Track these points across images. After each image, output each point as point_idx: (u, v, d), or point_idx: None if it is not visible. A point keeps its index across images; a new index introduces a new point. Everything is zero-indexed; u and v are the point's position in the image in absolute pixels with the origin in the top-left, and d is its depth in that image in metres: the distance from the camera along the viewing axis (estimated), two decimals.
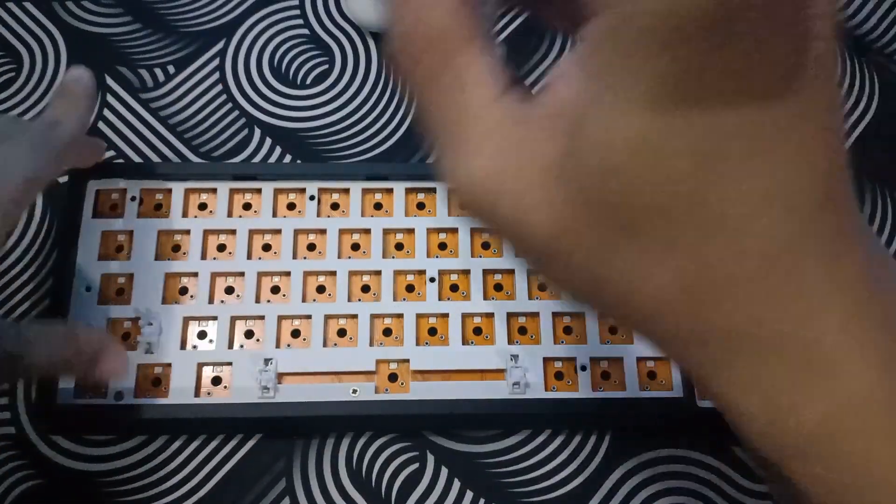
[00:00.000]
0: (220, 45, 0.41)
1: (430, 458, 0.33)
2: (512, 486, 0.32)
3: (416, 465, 0.33)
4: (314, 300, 0.33)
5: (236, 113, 0.39)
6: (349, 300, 0.33)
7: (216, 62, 0.40)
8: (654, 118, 0.13)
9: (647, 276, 0.14)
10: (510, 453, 0.33)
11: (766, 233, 0.14)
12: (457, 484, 0.32)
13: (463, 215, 0.35)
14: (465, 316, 0.33)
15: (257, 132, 0.39)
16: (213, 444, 0.33)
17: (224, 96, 0.39)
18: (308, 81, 0.40)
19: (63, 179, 0.36)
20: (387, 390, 0.32)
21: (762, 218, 0.14)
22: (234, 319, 0.33)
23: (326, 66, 0.40)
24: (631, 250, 0.14)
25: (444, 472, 0.32)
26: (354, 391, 0.31)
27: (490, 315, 0.33)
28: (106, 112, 0.39)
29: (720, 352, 0.15)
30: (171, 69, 0.40)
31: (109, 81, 0.39)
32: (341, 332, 0.33)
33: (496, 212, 0.15)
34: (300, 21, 0.41)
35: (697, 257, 0.14)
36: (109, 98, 0.39)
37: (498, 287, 0.33)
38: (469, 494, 0.32)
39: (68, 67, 0.40)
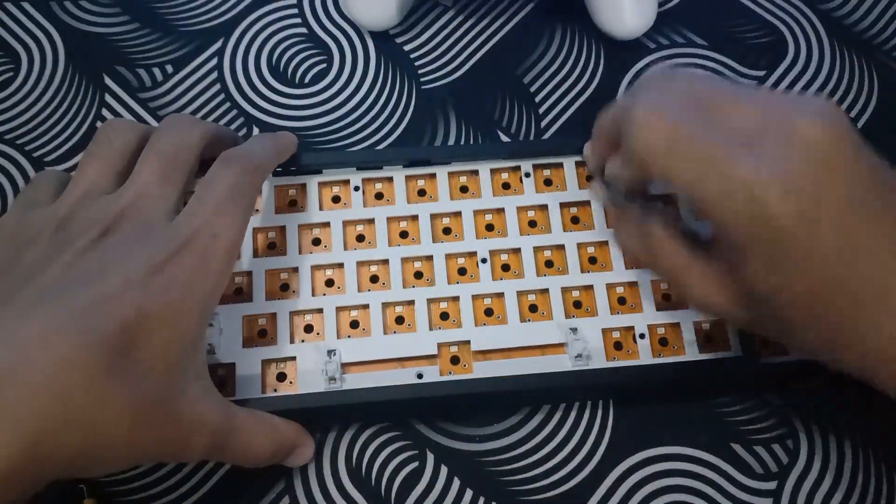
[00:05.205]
0: (218, 45, 0.41)
1: (430, 457, 0.33)
2: (512, 483, 0.32)
3: (415, 464, 0.33)
4: (369, 290, 0.33)
5: (235, 112, 0.39)
6: (404, 287, 0.33)
7: (214, 61, 0.40)
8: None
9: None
10: (509, 451, 0.33)
11: None
12: (456, 482, 0.32)
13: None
14: (519, 294, 0.33)
15: (256, 132, 0.39)
16: None
17: (222, 95, 0.39)
18: (306, 80, 0.40)
19: None
20: (451, 373, 0.32)
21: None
22: (292, 315, 0.32)
23: (325, 66, 0.40)
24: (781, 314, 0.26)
25: (444, 470, 0.33)
26: (420, 375, 0.31)
27: (544, 291, 0.33)
28: (104, 112, 0.39)
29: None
30: (169, 69, 0.40)
31: (108, 81, 0.39)
32: (399, 320, 0.33)
33: (717, 312, 0.28)
34: (298, 20, 0.41)
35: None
36: (108, 98, 0.39)
37: (549, 263, 0.34)
38: (468, 493, 0.32)
39: (67, 65, 0.40)
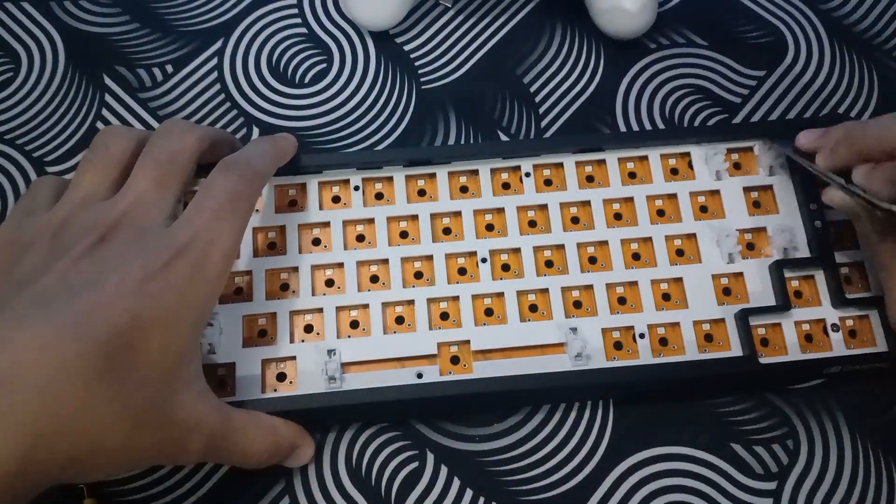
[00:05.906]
0: (218, 45, 0.41)
1: (430, 457, 0.33)
2: (512, 483, 0.32)
3: (415, 464, 0.33)
4: (369, 289, 0.33)
5: (234, 112, 0.39)
6: (404, 287, 0.33)
7: (214, 61, 0.40)
8: None
9: None
10: (509, 451, 0.33)
11: None
12: (456, 482, 0.32)
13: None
14: (519, 294, 0.33)
15: (256, 132, 0.39)
16: None
17: (222, 95, 0.39)
18: (306, 80, 0.40)
19: None
20: (450, 372, 0.32)
21: None
22: (292, 315, 0.32)
23: (325, 66, 0.40)
24: None
25: (444, 470, 0.33)
26: (420, 375, 0.31)
27: (544, 291, 0.33)
28: (104, 112, 0.39)
29: None
30: (169, 69, 0.40)
31: (108, 81, 0.39)
32: (399, 320, 0.33)
33: None
34: (298, 20, 0.41)
35: None
36: (108, 98, 0.39)
37: (549, 263, 0.34)
38: (468, 493, 0.32)
39: (67, 66, 0.40)
